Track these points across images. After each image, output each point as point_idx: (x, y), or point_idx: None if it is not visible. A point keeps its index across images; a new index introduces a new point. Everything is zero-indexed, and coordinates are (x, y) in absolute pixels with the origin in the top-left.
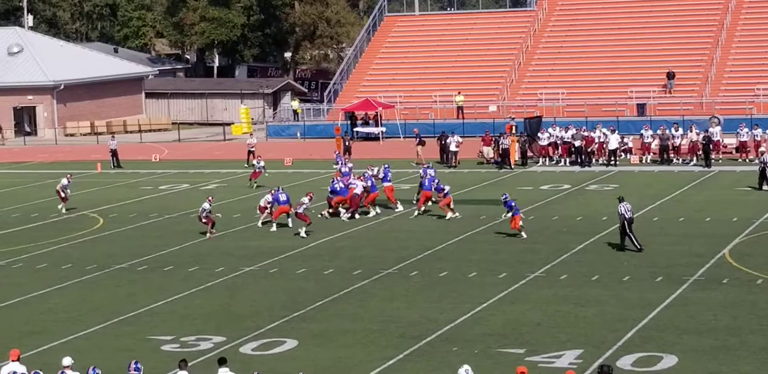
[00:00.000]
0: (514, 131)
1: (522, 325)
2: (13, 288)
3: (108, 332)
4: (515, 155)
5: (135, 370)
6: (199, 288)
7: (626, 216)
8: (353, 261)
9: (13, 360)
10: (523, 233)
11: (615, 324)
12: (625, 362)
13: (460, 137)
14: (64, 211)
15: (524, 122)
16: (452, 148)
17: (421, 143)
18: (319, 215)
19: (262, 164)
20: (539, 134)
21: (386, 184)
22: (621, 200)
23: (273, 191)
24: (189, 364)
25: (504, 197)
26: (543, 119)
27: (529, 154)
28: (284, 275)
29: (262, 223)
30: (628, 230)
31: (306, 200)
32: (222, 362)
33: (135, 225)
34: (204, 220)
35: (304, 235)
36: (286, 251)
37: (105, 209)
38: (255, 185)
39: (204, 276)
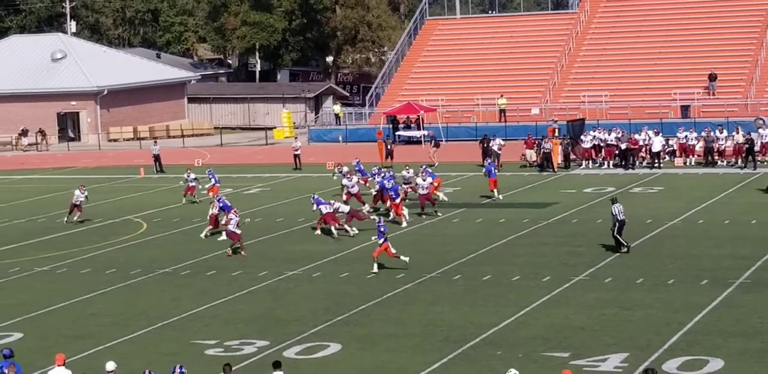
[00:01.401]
0: (556, 134)
1: (566, 329)
2: (57, 293)
3: (152, 336)
4: (558, 158)
5: None
6: (243, 293)
7: (619, 218)
8: (396, 265)
9: (59, 365)
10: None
11: (660, 328)
12: (670, 365)
13: (502, 139)
14: (71, 219)
15: (567, 125)
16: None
17: (436, 145)
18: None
19: (192, 176)
20: (582, 137)
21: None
22: (614, 201)
23: (216, 198)
24: (233, 368)
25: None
26: (586, 122)
27: (572, 157)
28: (327, 279)
29: (210, 233)
30: (616, 232)
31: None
32: (277, 366)
33: (178, 230)
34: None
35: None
36: (329, 255)
37: (148, 213)
38: (191, 200)
39: (247, 281)
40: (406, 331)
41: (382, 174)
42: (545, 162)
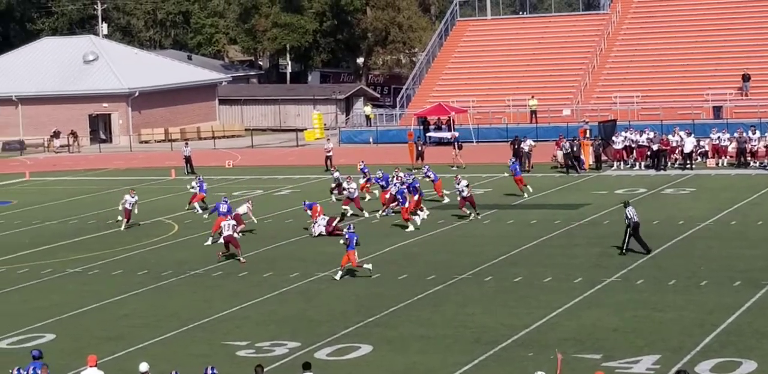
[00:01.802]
0: (587, 135)
1: (598, 330)
2: (89, 295)
3: (183, 338)
4: (589, 159)
5: None
6: (274, 294)
7: (634, 220)
8: (427, 266)
9: (91, 366)
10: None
11: (693, 329)
12: (703, 367)
13: (533, 140)
14: (127, 226)
15: (598, 126)
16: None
17: (459, 147)
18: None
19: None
20: (613, 138)
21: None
22: (626, 204)
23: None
24: (265, 370)
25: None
26: (617, 123)
27: (604, 158)
28: (358, 280)
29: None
30: (634, 234)
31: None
32: (306, 367)
33: (209, 231)
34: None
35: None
36: (360, 256)
37: (179, 215)
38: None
39: (278, 282)
40: (437, 332)
41: (406, 176)
42: (570, 162)
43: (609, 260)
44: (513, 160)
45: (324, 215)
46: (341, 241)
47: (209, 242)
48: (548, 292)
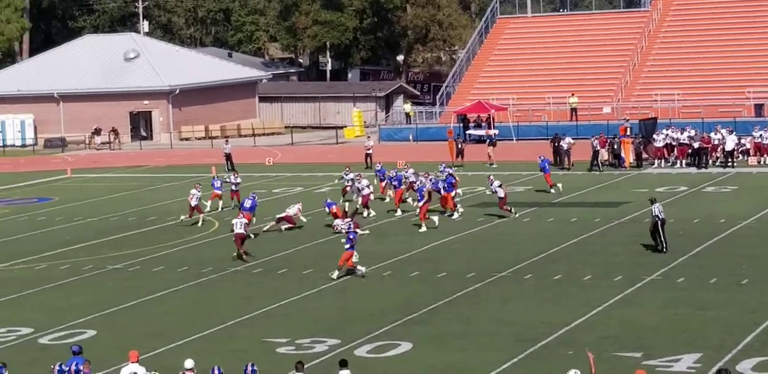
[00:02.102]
0: (628, 133)
1: (639, 329)
2: (130, 291)
3: (224, 334)
4: (630, 157)
5: (252, 372)
6: (314, 291)
7: (660, 217)
8: (467, 264)
9: (132, 362)
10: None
11: (734, 328)
12: (744, 366)
13: (572, 138)
14: (183, 218)
15: (639, 124)
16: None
17: (492, 144)
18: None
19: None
20: (654, 136)
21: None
22: (653, 201)
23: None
24: (305, 366)
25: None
26: (658, 121)
27: (644, 156)
28: (397, 278)
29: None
30: (660, 231)
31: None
32: (343, 364)
33: (250, 228)
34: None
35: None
36: (399, 254)
37: (220, 212)
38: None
39: (318, 279)
40: (477, 330)
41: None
42: (595, 160)
43: (649, 258)
44: (542, 157)
45: (347, 217)
46: (343, 241)
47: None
48: (588, 290)
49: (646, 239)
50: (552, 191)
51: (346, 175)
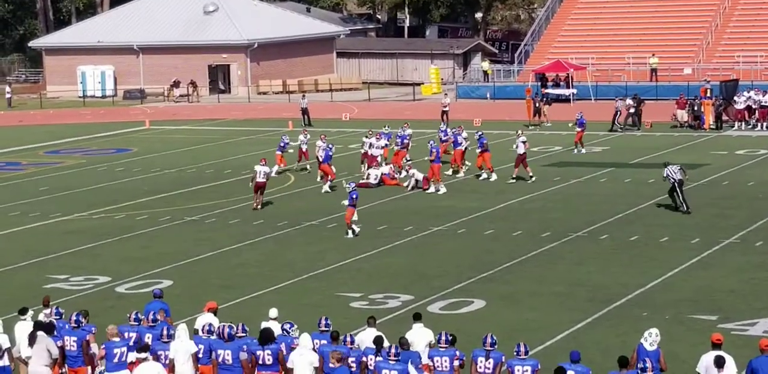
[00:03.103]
0: (709, 94)
1: (715, 292)
2: (206, 243)
3: (297, 288)
4: (710, 119)
5: (325, 326)
6: (388, 247)
7: (676, 178)
8: (542, 223)
9: (210, 310)
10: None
11: None
12: None
13: (632, 99)
14: (279, 168)
15: (720, 85)
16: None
17: (548, 102)
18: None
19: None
20: (735, 98)
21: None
22: (666, 164)
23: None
24: (377, 322)
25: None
26: (740, 83)
27: (725, 118)
28: (472, 235)
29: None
30: (678, 191)
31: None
32: (417, 317)
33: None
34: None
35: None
36: (475, 211)
37: (295, 166)
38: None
39: (392, 235)
40: (551, 290)
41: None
42: (633, 121)
43: (727, 221)
44: (581, 113)
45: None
46: (344, 202)
47: (326, 188)
48: (665, 252)
49: (725, 202)
50: (575, 151)
51: (365, 138)
